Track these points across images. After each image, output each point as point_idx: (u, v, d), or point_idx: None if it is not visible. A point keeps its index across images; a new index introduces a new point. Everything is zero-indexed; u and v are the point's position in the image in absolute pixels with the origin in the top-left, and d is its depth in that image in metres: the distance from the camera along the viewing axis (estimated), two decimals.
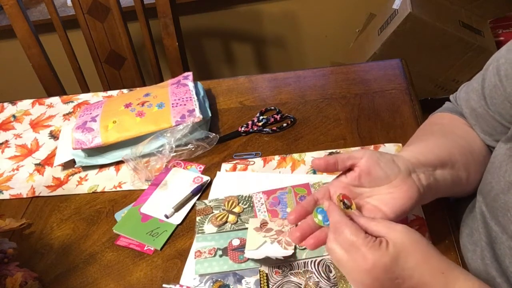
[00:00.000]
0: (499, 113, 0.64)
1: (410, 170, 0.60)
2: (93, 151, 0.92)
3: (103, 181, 0.90)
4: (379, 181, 0.60)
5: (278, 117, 0.94)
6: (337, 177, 0.65)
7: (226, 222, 0.76)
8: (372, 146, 0.85)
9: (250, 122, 0.94)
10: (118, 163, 0.93)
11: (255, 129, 0.93)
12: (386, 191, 0.60)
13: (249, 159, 0.88)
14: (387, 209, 0.60)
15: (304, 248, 0.69)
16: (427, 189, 0.61)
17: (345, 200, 0.60)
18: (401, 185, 0.60)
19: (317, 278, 0.66)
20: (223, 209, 0.78)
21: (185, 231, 0.78)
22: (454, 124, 0.72)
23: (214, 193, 0.82)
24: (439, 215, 0.71)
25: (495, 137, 0.66)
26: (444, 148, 0.66)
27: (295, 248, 0.69)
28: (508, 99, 0.61)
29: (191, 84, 0.99)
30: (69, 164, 0.94)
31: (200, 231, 0.76)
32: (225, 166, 0.87)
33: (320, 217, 0.60)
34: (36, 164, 0.97)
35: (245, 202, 0.78)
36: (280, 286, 0.66)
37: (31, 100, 1.15)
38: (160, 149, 0.88)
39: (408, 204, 0.59)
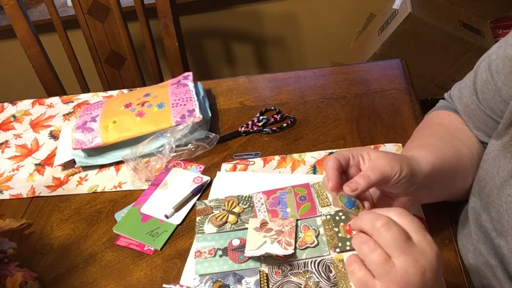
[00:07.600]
0: (490, 108, 0.64)
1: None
2: (93, 151, 0.92)
3: (103, 181, 0.90)
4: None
5: (278, 117, 0.94)
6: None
7: (226, 222, 0.76)
8: (372, 146, 0.85)
9: (250, 122, 0.94)
10: (118, 163, 0.93)
11: (255, 129, 0.93)
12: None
13: (249, 159, 0.88)
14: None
15: (304, 248, 0.69)
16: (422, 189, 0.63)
17: (351, 199, 0.59)
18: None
19: (317, 278, 0.66)
20: (223, 209, 0.78)
21: (185, 231, 0.78)
22: (454, 126, 0.72)
23: (214, 193, 0.82)
24: (439, 215, 0.71)
25: (488, 133, 0.67)
26: (449, 158, 0.66)
27: (295, 248, 0.69)
28: (499, 94, 0.61)
29: (191, 84, 0.99)
30: (69, 164, 0.94)
31: (200, 231, 0.76)
32: (225, 166, 0.87)
33: (344, 200, 0.59)
34: (36, 164, 0.97)
35: (245, 202, 0.78)
36: (280, 286, 0.66)
37: (31, 100, 1.15)
38: (160, 149, 0.88)
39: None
